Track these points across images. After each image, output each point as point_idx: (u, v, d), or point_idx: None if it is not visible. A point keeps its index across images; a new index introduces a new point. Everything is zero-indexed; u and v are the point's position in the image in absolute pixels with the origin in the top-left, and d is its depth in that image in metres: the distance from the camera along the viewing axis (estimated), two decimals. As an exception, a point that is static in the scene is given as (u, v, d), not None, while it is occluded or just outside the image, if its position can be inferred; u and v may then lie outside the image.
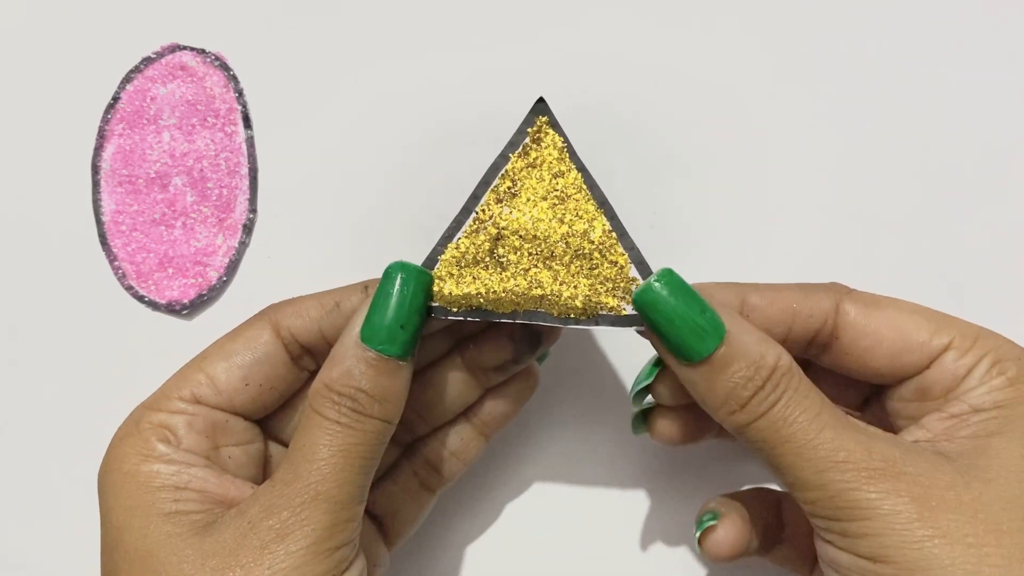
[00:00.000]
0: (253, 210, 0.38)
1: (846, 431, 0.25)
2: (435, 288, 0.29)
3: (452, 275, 0.29)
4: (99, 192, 0.38)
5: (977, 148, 0.36)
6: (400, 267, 0.27)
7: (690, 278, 0.27)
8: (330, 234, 0.37)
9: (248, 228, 0.37)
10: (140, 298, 0.37)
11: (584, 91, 0.37)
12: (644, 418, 0.31)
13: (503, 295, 0.28)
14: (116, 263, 0.38)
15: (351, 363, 0.27)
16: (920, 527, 0.24)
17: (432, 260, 0.29)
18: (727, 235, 0.36)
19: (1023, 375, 0.26)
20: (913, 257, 0.36)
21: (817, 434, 0.25)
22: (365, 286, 0.29)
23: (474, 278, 0.29)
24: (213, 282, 0.37)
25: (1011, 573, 0.23)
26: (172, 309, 0.37)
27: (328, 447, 0.26)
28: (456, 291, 0.29)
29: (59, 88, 0.39)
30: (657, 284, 0.26)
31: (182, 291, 0.37)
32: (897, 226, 0.36)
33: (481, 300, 0.29)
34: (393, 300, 0.27)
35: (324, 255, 0.37)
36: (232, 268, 0.37)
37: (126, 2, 0.39)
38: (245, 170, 0.38)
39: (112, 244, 0.38)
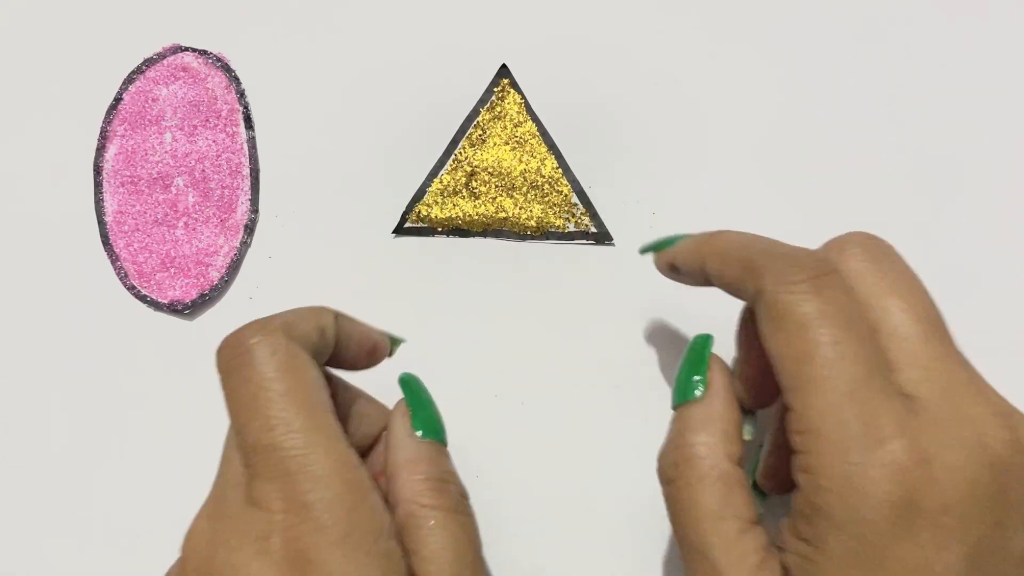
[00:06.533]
0: (255, 210, 0.38)
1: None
2: (424, 212, 0.36)
3: (437, 203, 0.36)
4: (101, 192, 0.38)
5: (972, 148, 0.37)
6: (410, 378, 0.29)
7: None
8: (331, 234, 0.37)
9: (250, 228, 0.38)
10: (142, 298, 0.38)
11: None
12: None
13: (476, 217, 0.36)
14: (118, 263, 0.38)
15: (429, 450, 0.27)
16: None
17: (422, 191, 0.36)
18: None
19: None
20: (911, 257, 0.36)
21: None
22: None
23: (454, 205, 0.36)
24: (215, 282, 0.37)
25: None
26: (174, 309, 0.37)
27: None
28: (440, 215, 0.36)
29: (61, 89, 0.39)
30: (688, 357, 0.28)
31: (184, 291, 0.37)
32: (892, 225, 0.36)
33: (459, 222, 0.36)
34: (425, 397, 0.29)
35: (325, 255, 0.37)
36: (234, 268, 0.37)
37: (128, 3, 0.39)
38: (247, 171, 0.38)
39: (114, 244, 0.38)
